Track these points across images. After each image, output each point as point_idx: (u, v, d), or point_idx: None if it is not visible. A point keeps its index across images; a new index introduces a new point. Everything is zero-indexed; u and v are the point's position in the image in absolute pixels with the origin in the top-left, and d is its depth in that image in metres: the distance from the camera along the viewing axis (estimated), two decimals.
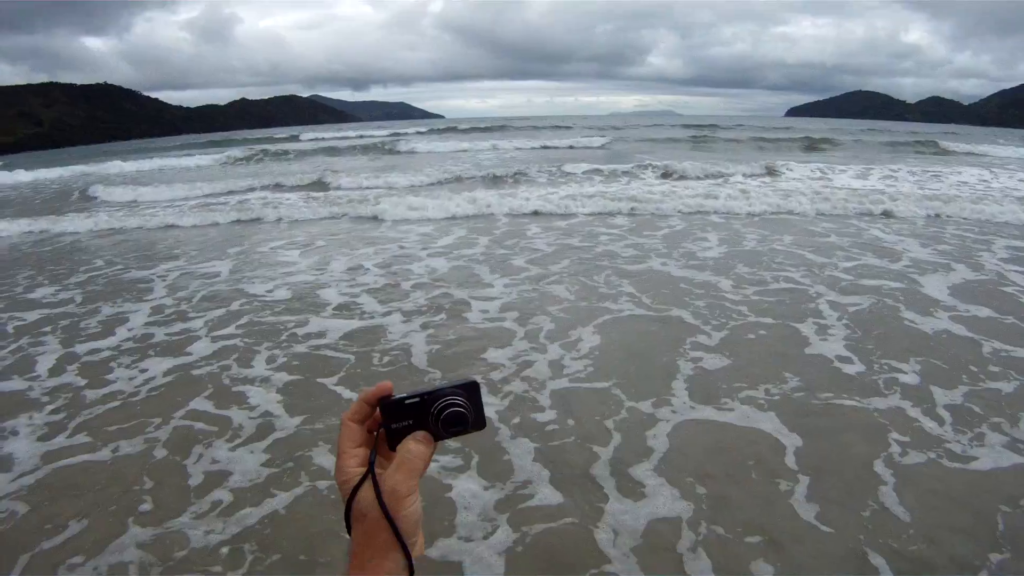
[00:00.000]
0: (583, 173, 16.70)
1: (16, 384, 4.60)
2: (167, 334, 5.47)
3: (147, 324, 5.76)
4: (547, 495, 3.04)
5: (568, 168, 17.46)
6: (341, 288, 6.61)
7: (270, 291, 6.63)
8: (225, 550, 2.75)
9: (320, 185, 16.06)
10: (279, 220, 11.27)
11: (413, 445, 0.73)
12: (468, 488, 3.10)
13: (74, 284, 7.36)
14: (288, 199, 13.57)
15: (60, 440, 3.78)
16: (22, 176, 23.61)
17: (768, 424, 3.61)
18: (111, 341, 5.35)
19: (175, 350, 5.07)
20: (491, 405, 3.98)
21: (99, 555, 2.74)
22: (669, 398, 3.94)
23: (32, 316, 6.15)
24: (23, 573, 2.67)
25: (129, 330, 5.63)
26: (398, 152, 27.57)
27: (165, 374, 4.62)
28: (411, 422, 0.74)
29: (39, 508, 3.11)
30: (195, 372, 4.64)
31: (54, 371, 4.78)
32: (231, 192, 15.78)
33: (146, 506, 3.08)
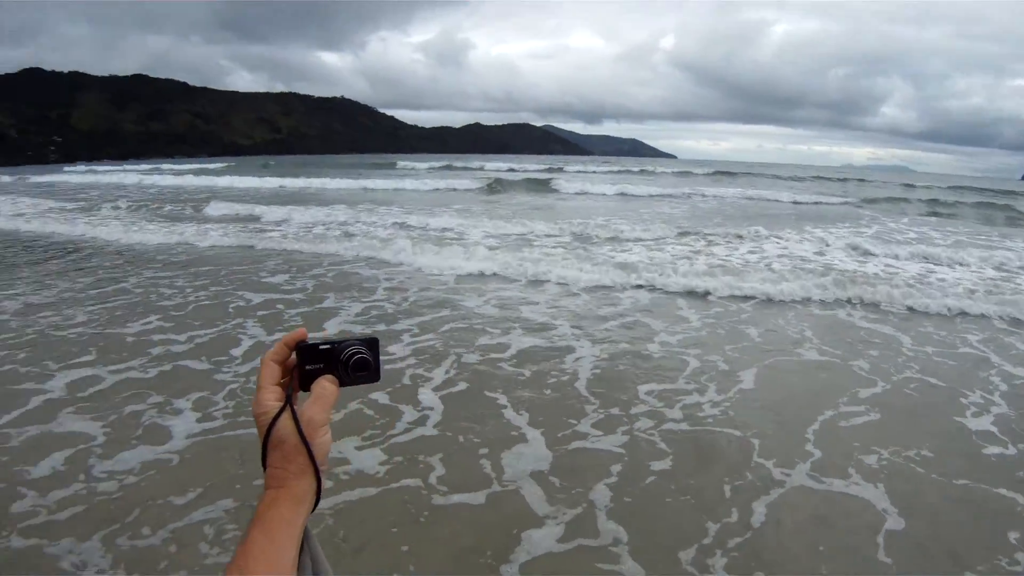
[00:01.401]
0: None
1: (203, 365, 5.58)
2: (372, 333, 6.29)
3: (354, 320, 6.82)
4: (625, 569, 2.91)
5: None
6: (542, 308, 7.41)
7: (478, 305, 7.54)
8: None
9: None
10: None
11: (327, 383, 0.84)
12: (535, 536, 3.12)
13: (311, 275, 9.07)
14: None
15: (217, 421, 4.42)
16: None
17: (875, 496, 3.50)
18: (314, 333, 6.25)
19: None
20: (601, 439, 4.13)
21: (213, 520, 3.27)
22: (794, 459, 3.91)
23: (257, 299, 7.60)
24: (138, 520, 3.27)
25: (340, 323, 6.73)
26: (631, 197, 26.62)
27: None
28: (322, 366, 0.85)
29: (170, 475, 3.72)
30: (386, 368, 5.29)
31: (248, 355, 5.79)
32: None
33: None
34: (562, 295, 8.08)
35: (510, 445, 4.00)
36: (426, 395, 4.81)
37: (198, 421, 4.46)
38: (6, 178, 44.94)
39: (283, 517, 0.74)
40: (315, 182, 31.29)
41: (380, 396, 4.74)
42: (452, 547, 3.04)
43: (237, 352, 5.95)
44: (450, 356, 5.70)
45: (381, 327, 6.67)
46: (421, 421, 4.37)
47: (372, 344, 0.88)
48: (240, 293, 8.33)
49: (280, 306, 7.57)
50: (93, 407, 4.81)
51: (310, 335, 0.87)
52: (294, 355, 0.85)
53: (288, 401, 0.81)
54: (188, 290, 8.72)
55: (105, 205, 20.99)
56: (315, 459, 0.78)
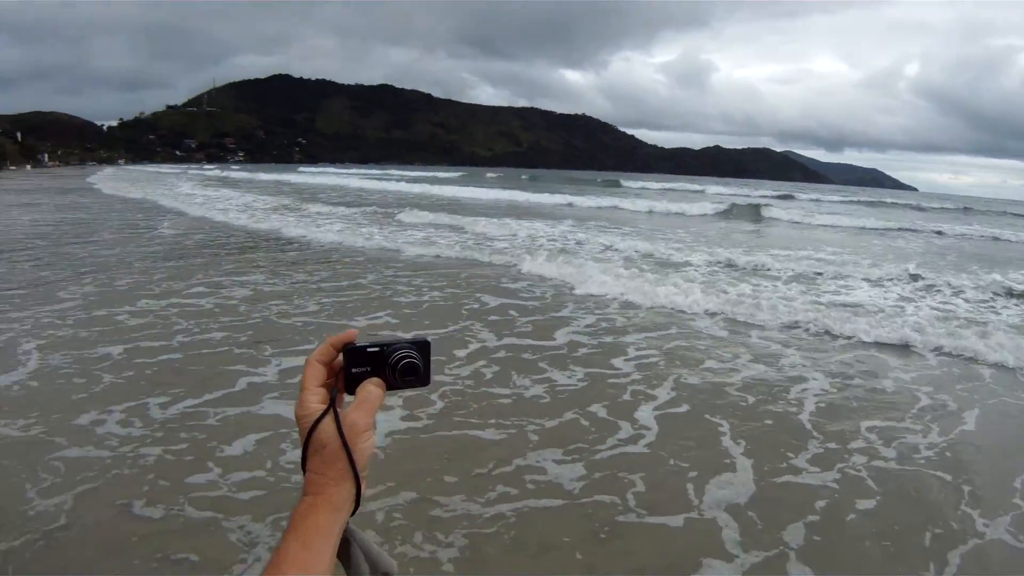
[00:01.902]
0: None
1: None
2: (597, 344, 6.84)
3: (579, 333, 7.23)
4: None
5: None
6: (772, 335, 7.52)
7: (706, 327, 7.74)
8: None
9: None
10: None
11: (373, 387, 0.83)
12: (717, 567, 3.13)
13: (551, 285, 9.56)
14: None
15: (422, 421, 4.63)
16: None
17: None
18: (552, 343, 6.85)
19: (597, 362, 6.24)
20: (811, 475, 4.08)
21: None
22: (998, 510, 3.70)
23: (493, 303, 8.17)
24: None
25: (569, 333, 7.17)
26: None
27: (581, 379, 5.69)
28: (369, 369, 0.84)
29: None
30: (608, 381, 5.72)
31: (471, 358, 6.18)
32: None
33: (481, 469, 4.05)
34: (791, 326, 7.93)
35: (719, 472, 4.04)
36: (644, 413, 4.98)
37: (403, 419, 4.66)
38: (263, 175, 51.46)
39: (320, 525, 0.74)
40: (559, 198, 32.90)
41: (599, 409, 4.99)
42: (628, 565, 3.12)
43: (462, 354, 6.26)
44: (672, 375, 5.89)
45: (608, 339, 7.08)
46: (633, 439, 4.51)
47: (423, 347, 0.88)
48: (477, 295, 8.89)
49: (514, 312, 8.06)
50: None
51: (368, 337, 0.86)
52: (340, 357, 0.84)
53: (332, 404, 0.80)
54: (424, 289, 9.20)
55: (352, 209, 23.39)
56: (356, 465, 0.77)
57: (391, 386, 0.85)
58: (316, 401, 0.80)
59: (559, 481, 3.88)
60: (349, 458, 0.77)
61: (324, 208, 22.96)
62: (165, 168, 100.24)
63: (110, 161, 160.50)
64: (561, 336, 7.12)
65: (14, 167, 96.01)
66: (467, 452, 4.23)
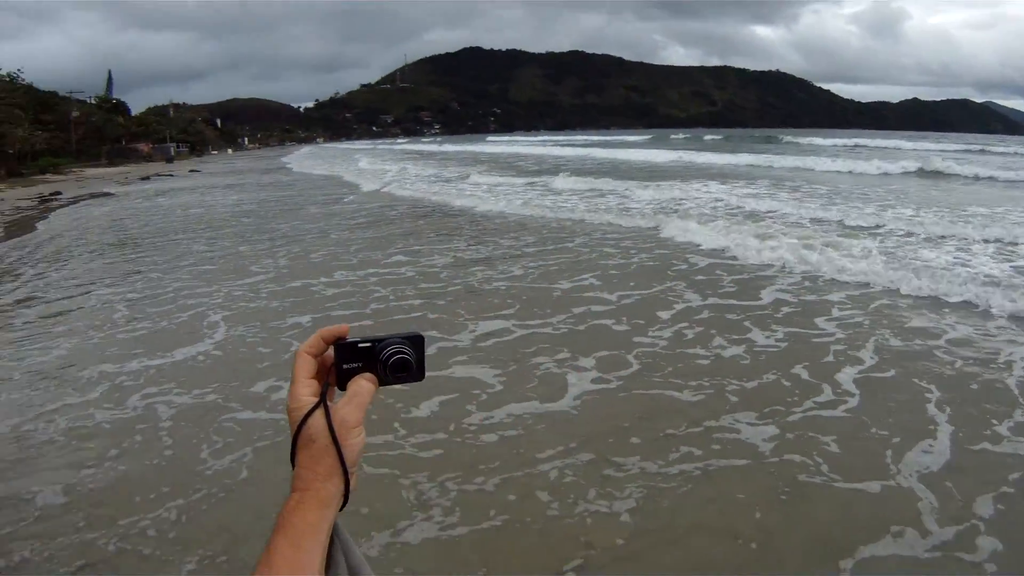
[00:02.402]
0: None
1: (623, 326, 5.96)
2: (798, 303, 6.78)
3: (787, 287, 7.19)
4: None
5: None
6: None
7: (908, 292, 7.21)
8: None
9: None
10: None
11: (364, 383, 0.81)
12: (907, 536, 3.04)
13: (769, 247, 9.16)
14: None
15: (613, 383, 4.63)
16: None
17: None
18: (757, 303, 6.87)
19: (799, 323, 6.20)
20: (1013, 443, 3.88)
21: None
22: None
23: (702, 263, 8.04)
24: (490, 469, 3.58)
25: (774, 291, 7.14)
26: None
27: (782, 339, 5.70)
28: (360, 364, 0.82)
29: (553, 429, 3.98)
30: (812, 341, 5.68)
31: (676, 319, 6.20)
32: None
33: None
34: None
35: (919, 439, 3.91)
36: (845, 375, 4.88)
37: (593, 381, 4.67)
38: (449, 146, 50.42)
39: (308, 522, 0.72)
40: (759, 158, 30.80)
41: (801, 371, 4.95)
42: (805, 527, 3.09)
43: (665, 315, 6.25)
44: (875, 335, 5.74)
45: (812, 297, 7.05)
46: (832, 404, 4.42)
47: (416, 342, 0.85)
48: (687, 256, 8.86)
49: (720, 272, 8.04)
50: (492, 357, 5.07)
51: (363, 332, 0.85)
52: (332, 351, 0.83)
53: (323, 398, 0.79)
54: (632, 251, 9.20)
55: (547, 175, 23.21)
56: (345, 461, 0.76)
57: (383, 382, 0.84)
58: (308, 394, 0.79)
59: (751, 441, 3.87)
60: (339, 454, 0.76)
61: (512, 179, 23.07)
62: (359, 144, 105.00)
63: (308, 140, 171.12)
64: (766, 295, 7.13)
65: (216, 151, 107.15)
66: (660, 413, 4.28)
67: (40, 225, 17.49)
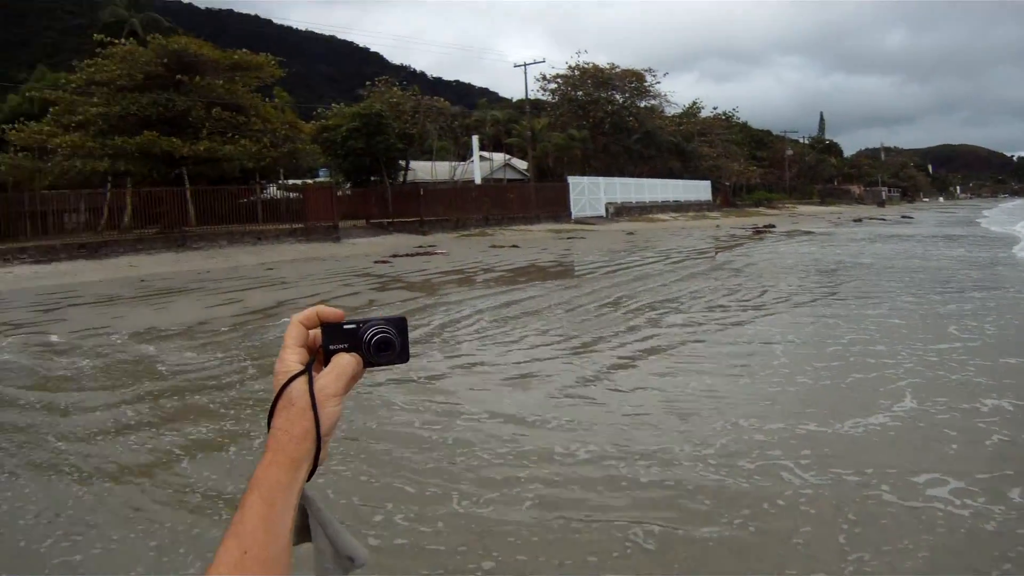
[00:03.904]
0: None
1: None
2: None
3: None
4: None
5: None
6: None
7: None
8: None
9: None
10: None
11: (347, 356, 0.79)
12: None
13: None
14: None
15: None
16: None
17: None
18: None
19: None
20: None
21: None
22: None
23: None
24: None
25: None
26: None
27: None
28: (347, 346, 0.80)
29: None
30: None
31: None
32: None
33: None
34: None
35: None
36: None
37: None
38: None
39: (280, 481, 0.71)
40: None
41: None
42: None
43: None
44: None
45: None
46: None
47: (399, 324, 0.83)
48: None
49: None
50: None
51: None
52: (319, 332, 0.80)
53: (308, 366, 0.76)
54: None
55: None
56: (320, 425, 0.74)
57: (368, 363, 0.82)
58: (295, 359, 0.77)
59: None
60: (315, 418, 0.74)
61: None
62: None
63: (1020, 193, 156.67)
64: None
65: (927, 199, 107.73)
66: None
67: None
